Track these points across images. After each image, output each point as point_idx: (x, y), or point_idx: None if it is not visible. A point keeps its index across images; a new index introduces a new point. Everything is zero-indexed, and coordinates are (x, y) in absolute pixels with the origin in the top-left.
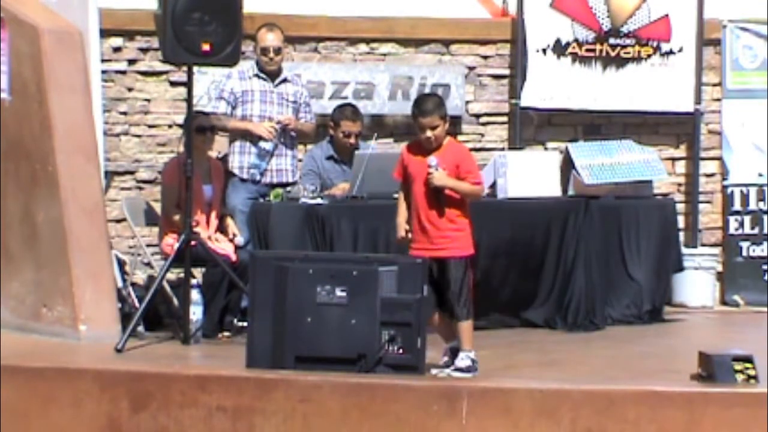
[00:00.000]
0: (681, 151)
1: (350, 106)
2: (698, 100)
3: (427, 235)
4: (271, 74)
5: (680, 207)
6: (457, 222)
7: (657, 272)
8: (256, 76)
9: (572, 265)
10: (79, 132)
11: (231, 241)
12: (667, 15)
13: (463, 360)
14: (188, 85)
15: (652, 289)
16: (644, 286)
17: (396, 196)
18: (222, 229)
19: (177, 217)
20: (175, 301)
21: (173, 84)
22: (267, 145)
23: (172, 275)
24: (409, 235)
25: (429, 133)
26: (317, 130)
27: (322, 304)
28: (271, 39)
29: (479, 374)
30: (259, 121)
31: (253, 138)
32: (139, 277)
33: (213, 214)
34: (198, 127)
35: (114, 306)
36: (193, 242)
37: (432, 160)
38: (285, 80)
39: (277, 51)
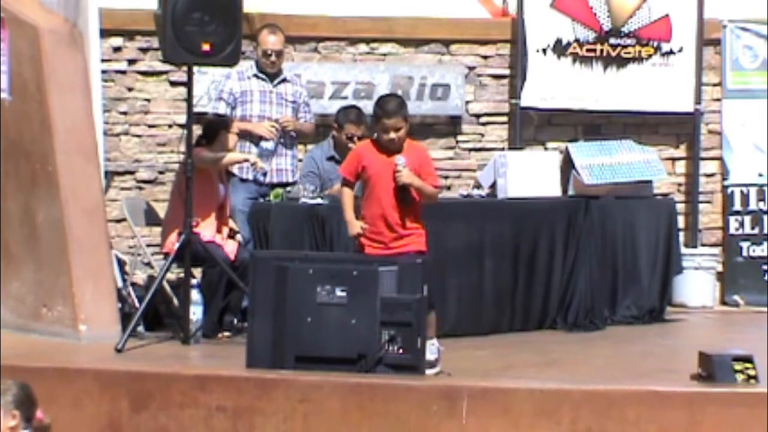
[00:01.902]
0: (681, 151)
1: (355, 109)
2: (698, 100)
3: (394, 233)
4: (271, 74)
5: (680, 207)
6: (417, 222)
7: (657, 272)
8: (255, 76)
9: (572, 265)
10: (79, 132)
11: (233, 237)
12: (667, 15)
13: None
14: (188, 85)
15: (653, 290)
16: (644, 286)
17: None
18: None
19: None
20: (175, 301)
21: (173, 84)
22: (268, 145)
23: (172, 275)
24: (364, 232)
25: (393, 135)
26: (317, 130)
27: (322, 304)
28: (273, 42)
29: (479, 374)
30: (259, 122)
31: (254, 138)
32: (139, 277)
33: (223, 213)
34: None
35: (114, 306)
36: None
37: (400, 158)
38: (284, 80)
39: (279, 54)
